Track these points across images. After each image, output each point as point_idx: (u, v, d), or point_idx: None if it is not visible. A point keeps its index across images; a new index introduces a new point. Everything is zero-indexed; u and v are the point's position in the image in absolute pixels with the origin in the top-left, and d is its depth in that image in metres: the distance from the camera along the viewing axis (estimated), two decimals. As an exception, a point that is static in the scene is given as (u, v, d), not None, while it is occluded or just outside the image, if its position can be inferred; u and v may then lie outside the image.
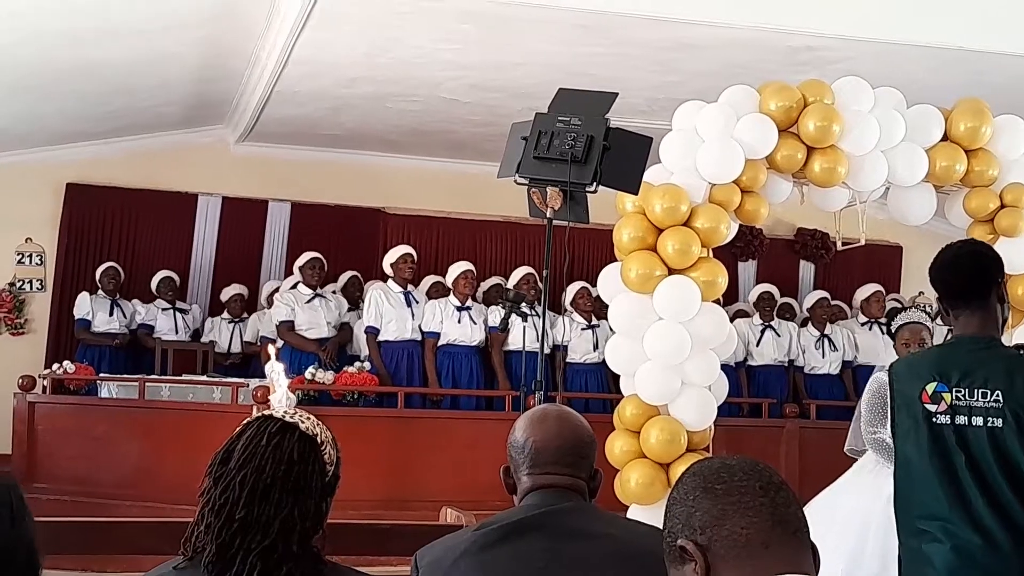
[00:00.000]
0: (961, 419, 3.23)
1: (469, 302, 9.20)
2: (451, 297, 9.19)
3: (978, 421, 3.22)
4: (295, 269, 9.53)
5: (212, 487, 2.17)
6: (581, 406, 7.68)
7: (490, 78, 7.99)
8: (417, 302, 9.12)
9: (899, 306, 9.27)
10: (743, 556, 1.64)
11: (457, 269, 9.32)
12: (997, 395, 3.21)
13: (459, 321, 9.09)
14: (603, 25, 6.72)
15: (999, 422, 3.20)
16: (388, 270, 9.20)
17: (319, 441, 2.23)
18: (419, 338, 9.05)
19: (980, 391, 3.23)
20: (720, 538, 1.65)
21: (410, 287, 9.17)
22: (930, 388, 3.29)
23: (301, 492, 2.16)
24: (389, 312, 8.96)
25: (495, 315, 9.04)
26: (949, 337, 3.57)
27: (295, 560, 2.14)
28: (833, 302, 10.38)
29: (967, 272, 3.39)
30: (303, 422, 2.24)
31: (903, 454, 3.37)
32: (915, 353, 4.76)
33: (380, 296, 9.00)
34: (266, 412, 2.28)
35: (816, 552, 1.71)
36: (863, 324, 10.03)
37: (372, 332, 8.94)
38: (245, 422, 2.25)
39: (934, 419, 3.27)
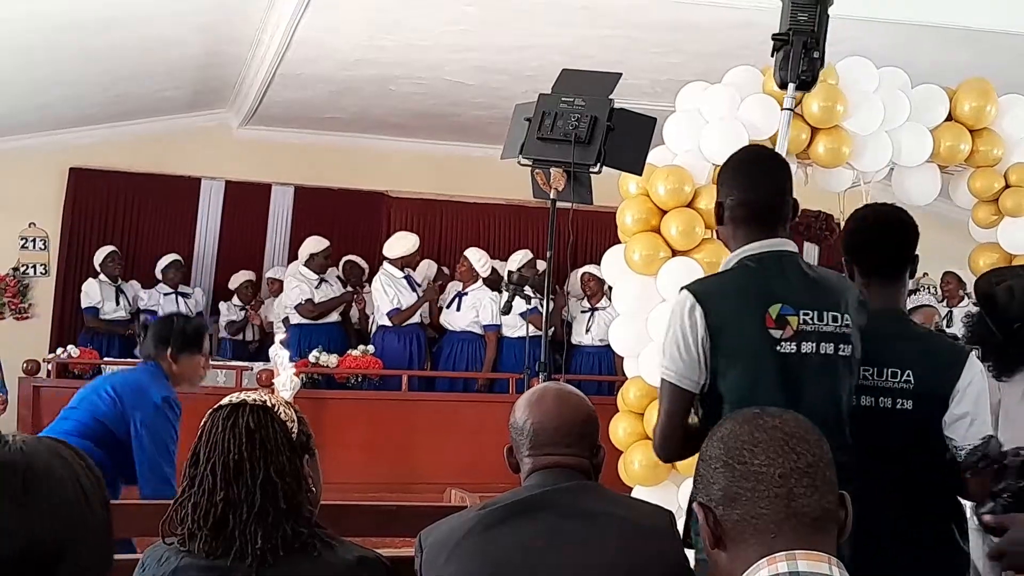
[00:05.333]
0: (867, 399, 2.98)
1: (471, 285, 9.22)
2: (455, 283, 9.24)
3: (887, 403, 2.97)
4: (304, 253, 9.49)
5: (188, 487, 2.26)
6: (584, 387, 7.68)
7: (494, 60, 7.96)
8: (420, 285, 9.15)
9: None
10: (749, 540, 1.63)
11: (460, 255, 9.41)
12: (908, 374, 2.97)
13: (458, 308, 9.12)
14: (607, 6, 6.70)
15: (909, 404, 2.96)
16: (391, 256, 9.19)
17: (270, 405, 2.32)
18: (419, 321, 9.13)
19: (890, 370, 2.97)
20: (730, 519, 1.65)
21: (408, 270, 9.16)
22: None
23: (270, 454, 2.25)
24: (398, 299, 8.99)
25: (494, 298, 9.10)
26: None
27: (290, 520, 2.21)
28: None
29: (896, 241, 3.12)
30: (250, 397, 2.33)
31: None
32: None
33: (389, 282, 9.02)
34: (215, 405, 2.35)
35: (844, 514, 1.67)
36: None
37: (396, 312, 8.96)
38: (202, 422, 2.33)
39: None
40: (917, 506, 3.00)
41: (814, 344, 2.78)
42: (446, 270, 10.06)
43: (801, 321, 2.77)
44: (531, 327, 8.93)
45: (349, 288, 9.55)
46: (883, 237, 3.16)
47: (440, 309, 9.35)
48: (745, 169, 3.02)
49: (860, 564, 2.88)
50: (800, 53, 3.95)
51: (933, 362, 3.03)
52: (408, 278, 9.11)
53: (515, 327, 9.05)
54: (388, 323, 8.94)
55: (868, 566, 2.90)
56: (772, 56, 4.07)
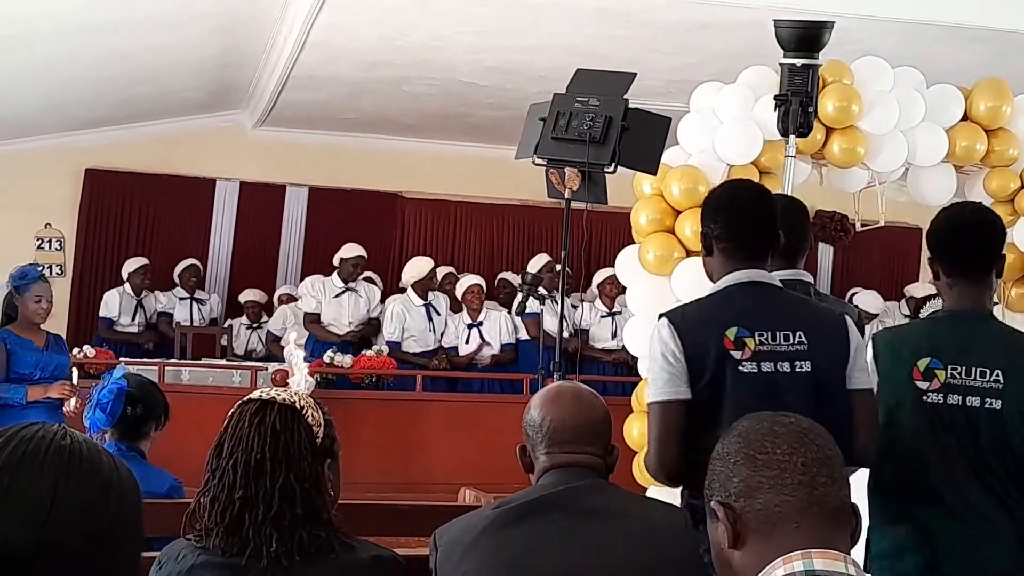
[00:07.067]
0: (955, 398, 3.02)
1: (481, 315, 9.19)
2: (463, 314, 9.21)
3: (974, 402, 3.01)
4: (336, 259, 9.43)
5: (211, 478, 2.25)
6: (599, 389, 7.68)
7: (508, 61, 7.96)
8: (439, 313, 9.12)
9: (934, 292, 9.22)
10: (772, 531, 1.63)
11: (464, 284, 9.35)
12: (997, 374, 3.00)
13: (467, 340, 9.10)
14: (620, 7, 6.69)
15: (998, 403, 2.99)
16: (408, 282, 9.16)
17: (299, 407, 2.30)
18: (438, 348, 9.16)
19: (978, 369, 3.00)
20: (752, 510, 1.64)
21: (430, 296, 9.13)
22: (922, 364, 3.05)
23: (292, 458, 2.24)
24: (411, 327, 8.97)
25: (506, 320, 9.10)
26: (940, 310, 3.29)
27: (307, 525, 2.19)
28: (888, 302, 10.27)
29: (981, 241, 3.13)
30: (280, 395, 2.32)
31: (888, 435, 3.12)
32: (901, 326, 4.62)
33: (402, 311, 9.00)
34: (245, 398, 2.34)
35: (858, 521, 1.68)
36: (905, 316, 9.96)
37: (394, 347, 8.93)
38: (229, 413, 2.32)
39: (925, 397, 3.04)
40: (1006, 503, 3.04)
41: (772, 363, 2.97)
42: (456, 272, 9.98)
43: (758, 342, 2.97)
44: (526, 332, 8.99)
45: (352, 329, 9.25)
46: (964, 237, 3.16)
47: (457, 350, 9.21)
48: (726, 206, 3.19)
49: (948, 561, 2.97)
50: (798, 110, 4.60)
51: (1022, 361, 3.05)
52: (428, 306, 9.06)
53: (520, 329, 9.10)
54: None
55: (957, 563, 2.99)
56: (774, 111, 4.71)
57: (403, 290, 9.33)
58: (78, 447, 1.32)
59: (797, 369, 2.97)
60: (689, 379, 2.96)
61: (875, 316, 9.89)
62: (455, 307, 9.36)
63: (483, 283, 9.45)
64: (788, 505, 1.62)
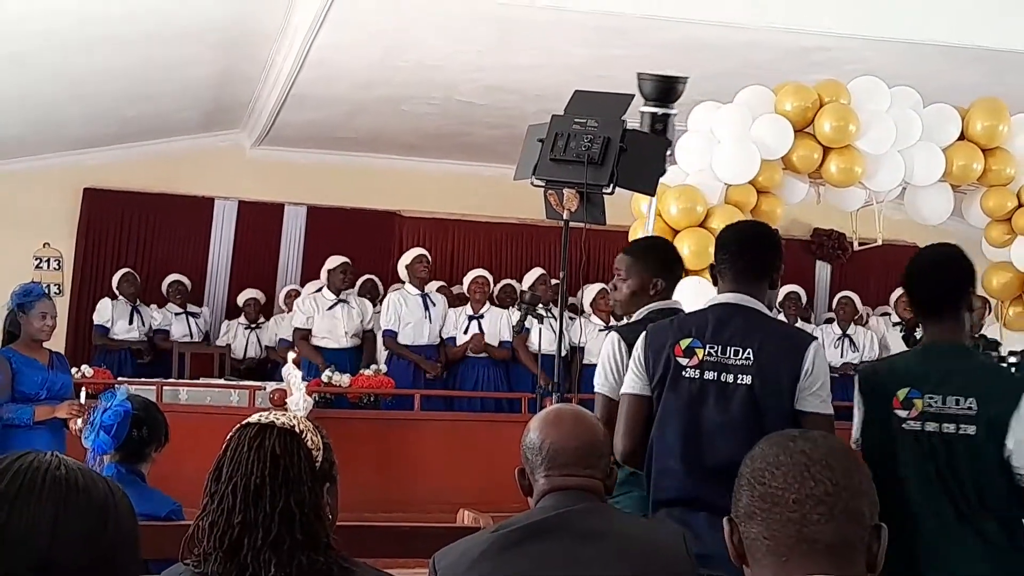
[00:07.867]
0: (932, 425, 3.17)
1: (484, 308, 9.22)
2: (467, 307, 9.25)
3: (950, 428, 3.15)
4: (323, 273, 9.48)
5: (209, 503, 2.23)
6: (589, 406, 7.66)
7: (506, 80, 7.98)
8: (434, 304, 9.15)
9: None
10: (762, 560, 1.65)
11: (469, 276, 9.45)
12: (971, 402, 3.14)
13: (466, 331, 9.12)
14: (618, 27, 6.71)
15: (972, 428, 3.13)
16: (403, 272, 9.22)
17: (298, 431, 2.28)
18: (436, 342, 9.15)
19: (954, 398, 3.16)
20: (747, 536, 1.67)
21: (427, 288, 9.19)
22: (901, 394, 3.22)
23: (292, 483, 2.22)
24: (407, 316, 9.00)
25: (508, 318, 9.09)
26: (920, 343, 3.51)
27: (306, 550, 2.18)
28: (862, 306, 10.35)
29: (942, 282, 3.34)
30: (279, 419, 2.30)
31: (869, 460, 3.27)
32: (884, 359, 4.78)
33: (399, 300, 9.03)
34: (244, 421, 2.33)
35: (876, 547, 1.66)
36: (895, 324, 9.96)
37: (390, 335, 8.97)
38: (228, 436, 2.30)
39: (904, 425, 3.20)
40: (980, 528, 3.14)
41: (715, 373, 3.34)
42: (455, 290, 10.03)
43: (706, 353, 3.35)
44: (534, 347, 8.98)
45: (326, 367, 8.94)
46: (925, 279, 3.39)
47: (455, 341, 9.23)
48: (722, 242, 3.59)
49: None
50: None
51: (993, 390, 3.19)
52: (424, 297, 9.10)
53: (531, 345, 9.09)
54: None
55: None
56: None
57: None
58: (74, 476, 1.33)
59: (739, 382, 3.31)
60: (648, 379, 3.43)
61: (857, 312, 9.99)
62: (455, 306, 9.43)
63: (489, 277, 9.50)
64: (776, 539, 1.63)
